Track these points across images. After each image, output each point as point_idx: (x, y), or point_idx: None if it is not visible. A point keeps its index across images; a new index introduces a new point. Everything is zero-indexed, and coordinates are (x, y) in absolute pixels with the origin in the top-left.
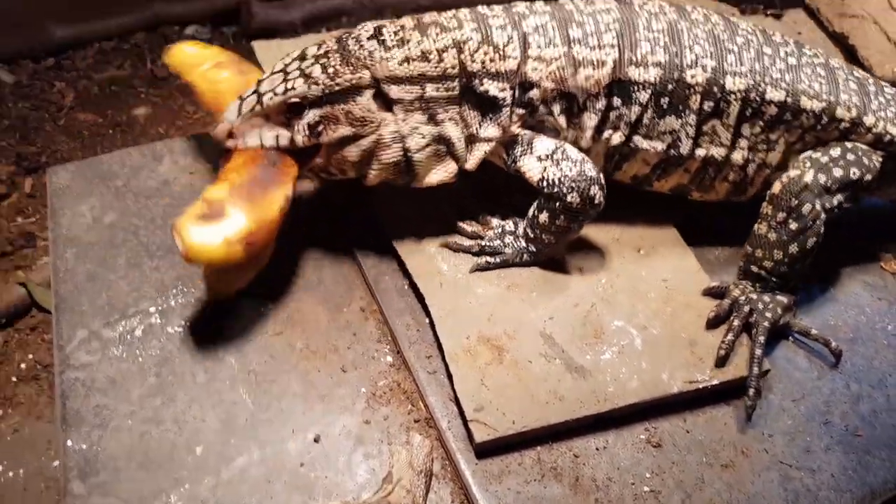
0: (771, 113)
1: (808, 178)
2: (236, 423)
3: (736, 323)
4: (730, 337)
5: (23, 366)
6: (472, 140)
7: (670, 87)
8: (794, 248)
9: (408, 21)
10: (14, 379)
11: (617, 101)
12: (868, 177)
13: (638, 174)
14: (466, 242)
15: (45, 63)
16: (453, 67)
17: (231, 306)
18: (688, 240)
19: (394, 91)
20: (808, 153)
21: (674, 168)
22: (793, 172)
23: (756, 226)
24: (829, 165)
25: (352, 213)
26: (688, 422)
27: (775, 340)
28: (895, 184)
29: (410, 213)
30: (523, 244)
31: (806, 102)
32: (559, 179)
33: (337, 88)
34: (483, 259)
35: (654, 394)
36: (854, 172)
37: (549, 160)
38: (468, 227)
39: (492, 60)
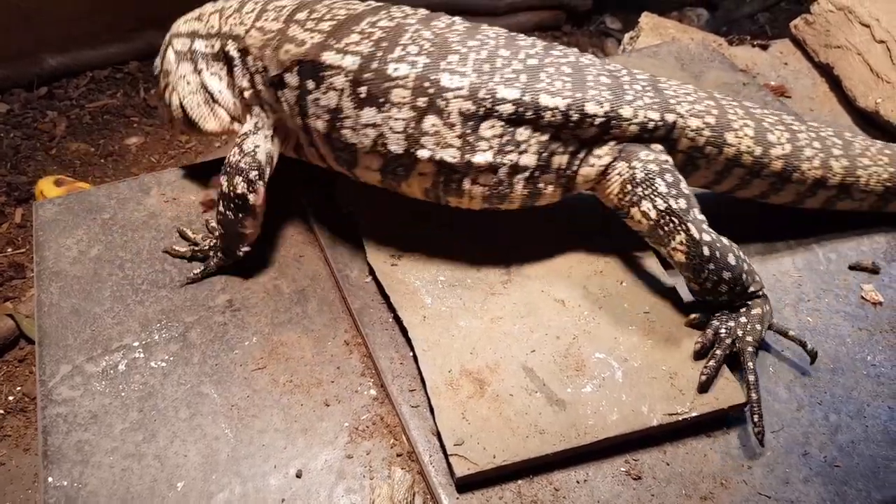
0: (507, 112)
1: (694, 233)
2: (218, 458)
3: (718, 353)
4: (711, 363)
5: (10, 398)
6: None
7: (367, 75)
8: (727, 275)
9: None
10: (1, 411)
11: (310, 84)
12: (682, 181)
13: (368, 172)
14: (182, 248)
15: (37, 92)
16: (213, 27)
17: (215, 337)
18: (670, 271)
19: (176, 44)
20: (641, 193)
21: (402, 169)
22: (645, 211)
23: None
24: (677, 207)
25: (338, 244)
26: (668, 454)
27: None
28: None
29: (395, 246)
30: (214, 243)
31: (546, 100)
32: (225, 161)
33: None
34: (193, 272)
35: (635, 426)
36: (684, 186)
37: (238, 141)
38: (190, 232)
39: (235, 24)
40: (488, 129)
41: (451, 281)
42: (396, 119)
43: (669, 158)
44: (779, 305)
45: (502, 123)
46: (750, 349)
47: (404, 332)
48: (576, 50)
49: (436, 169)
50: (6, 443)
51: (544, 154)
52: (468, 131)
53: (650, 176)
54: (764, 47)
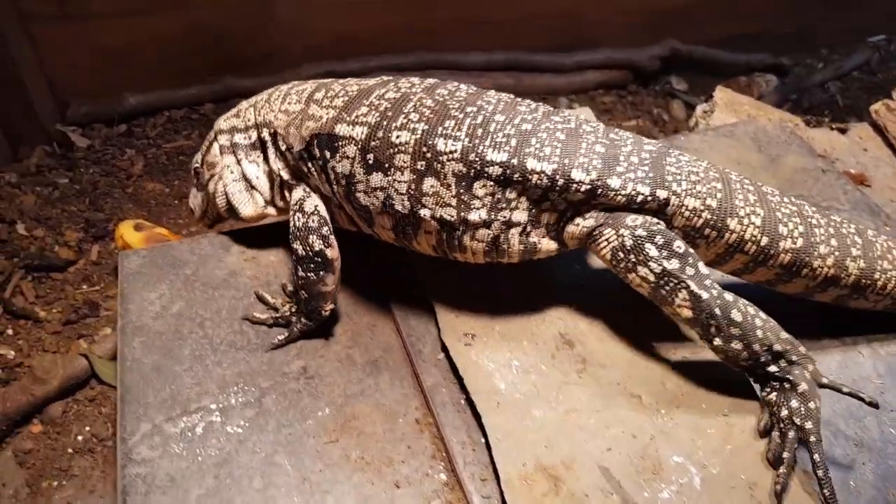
0: (496, 174)
1: (705, 295)
2: None
3: (786, 455)
4: (782, 470)
5: (79, 437)
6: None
7: (373, 143)
8: (735, 331)
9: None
10: (70, 451)
11: (328, 154)
12: (677, 241)
13: (384, 231)
14: (262, 315)
15: (117, 129)
16: (249, 120)
17: (289, 405)
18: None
19: (220, 139)
20: (634, 259)
21: (410, 228)
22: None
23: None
24: (670, 267)
25: (411, 317)
26: None
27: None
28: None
29: (468, 323)
30: (295, 308)
31: (533, 164)
32: (291, 229)
33: (204, 146)
34: (277, 338)
35: None
36: (679, 245)
37: (295, 208)
38: (269, 297)
39: (266, 113)
40: (480, 188)
41: (525, 366)
42: (400, 182)
43: (660, 221)
44: (859, 413)
45: (492, 184)
46: (813, 438)
47: (477, 416)
48: (583, 117)
49: (438, 227)
50: (73, 482)
51: (534, 211)
52: (462, 191)
53: (639, 242)
54: (843, 131)
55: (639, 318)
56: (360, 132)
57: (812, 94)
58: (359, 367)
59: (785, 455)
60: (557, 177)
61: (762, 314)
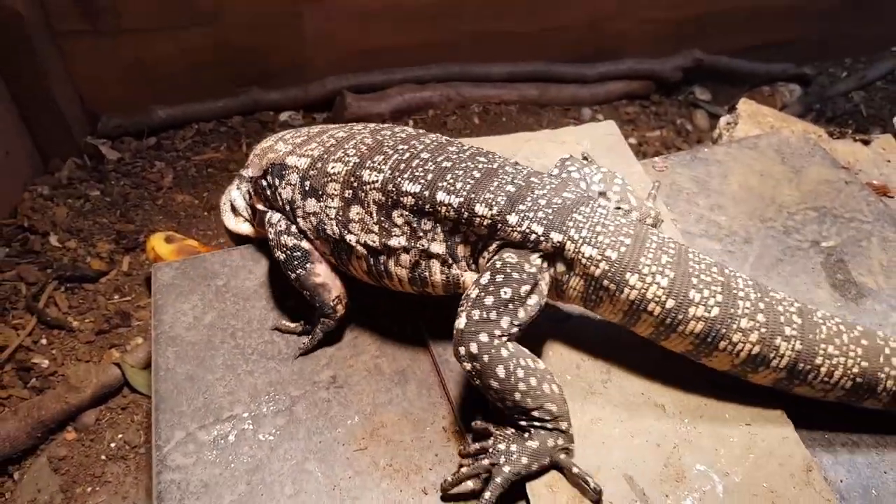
0: (409, 204)
1: (461, 323)
2: None
3: (465, 470)
4: (463, 471)
5: (112, 444)
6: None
7: (312, 172)
8: (493, 383)
9: None
10: (103, 457)
11: (276, 181)
12: (525, 287)
13: (324, 255)
14: (291, 324)
15: (147, 142)
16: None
17: (319, 414)
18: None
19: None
20: (466, 293)
21: (345, 254)
22: (456, 321)
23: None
24: (479, 297)
25: (438, 326)
26: None
27: None
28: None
29: None
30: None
31: (442, 196)
32: (270, 245)
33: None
34: (301, 343)
35: None
36: (505, 292)
37: (267, 227)
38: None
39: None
40: (398, 217)
41: None
42: (330, 208)
43: (532, 268)
44: None
45: (408, 213)
46: (499, 479)
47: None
48: (511, 160)
49: (365, 252)
50: (106, 489)
51: (449, 243)
52: (383, 219)
53: (485, 271)
54: (866, 142)
55: None
56: (303, 163)
57: (835, 104)
58: (387, 377)
59: (465, 470)
60: (463, 209)
61: (536, 381)
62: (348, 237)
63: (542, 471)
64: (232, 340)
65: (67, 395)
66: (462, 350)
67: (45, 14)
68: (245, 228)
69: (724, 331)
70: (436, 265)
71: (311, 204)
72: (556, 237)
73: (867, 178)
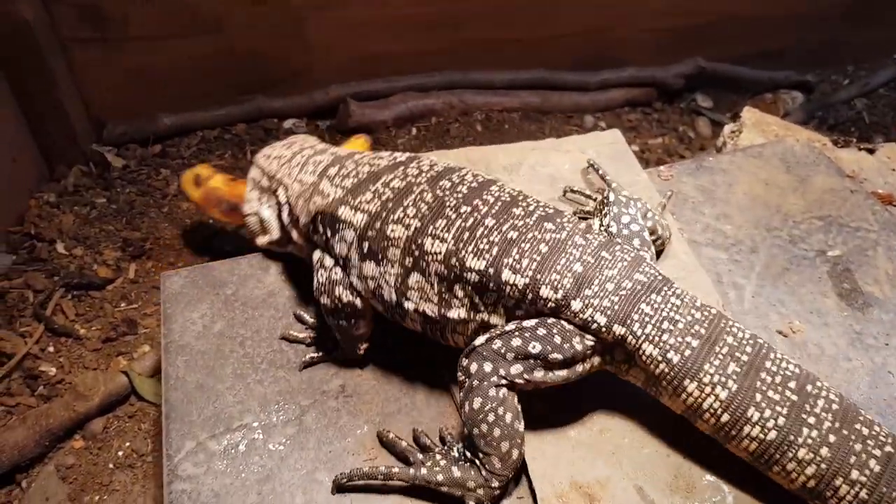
0: (473, 280)
1: (480, 341)
2: None
3: (397, 469)
4: (382, 470)
5: (120, 453)
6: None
7: (370, 233)
8: (466, 407)
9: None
10: (111, 466)
11: (328, 232)
12: (556, 356)
13: (377, 311)
14: (301, 334)
15: (152, 149)
16: (273, 170)
17: (329, 423)
18: None
19: (253, 172)
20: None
21: (398, 315)
22: (479, 336)
23: None
24: (511, 333)
25: None
26: None
27: None
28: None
29: None
30: (334, 337)
31: (508, 276)
32: (315, 285)
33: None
34: (309, 356)
35: None
36: (535, 346)
37: (317, 266)
38: (307, 316)
39: (285, 174)
40: (460, 290)
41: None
42: (390, 274)
43: (579, 346)
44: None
45: (470, 288)
46: (412, 471)
47: None
48: (577, 224)
49: (422, 319)
50: (114, 497)
51: (510, 315)
52: (444, 290)
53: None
54: (871, 151)
55: None
56: (359, 219)
57: (838, 112)
58: (395, 386)
59: (396, 469)
60: (528, 291)
61: (499, 434)
62: (406, 304)
63: (448, 496)
64: (241, 349)
65: (75, 404)
66: (465, 361)
67: (52, 21)
68: (278, 245)
69: (778, 456)
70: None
71: (370, 267)
72: (618, 330)
73: (872, 186)
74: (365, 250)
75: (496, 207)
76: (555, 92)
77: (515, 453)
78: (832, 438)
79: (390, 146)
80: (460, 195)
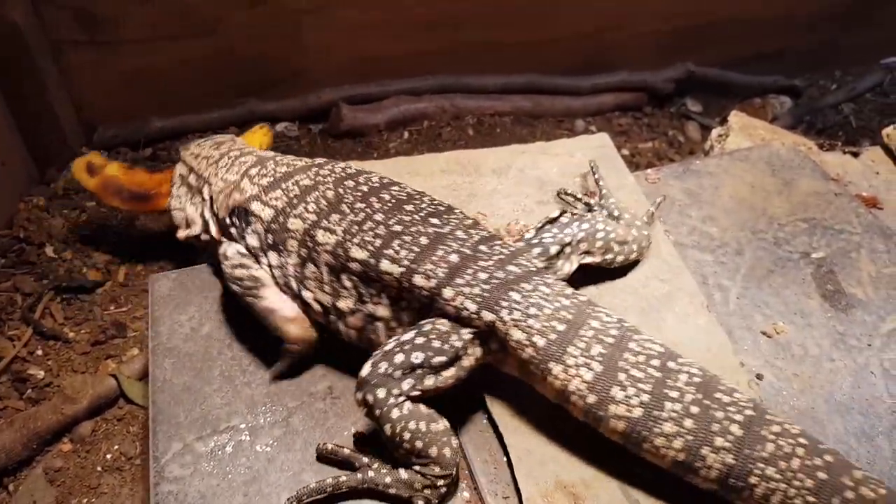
0: (357, 270)
1: (366, 370)
2: None
3: (344, 479)
4: (329, 482)
5: (108, 456)
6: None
7: (274, 226)
8: (382, 436)
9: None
10: (99, 468)
11: (242, 224)
12: (439, 359)
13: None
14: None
15: (143, 152)
16: (202, 169)
17: (316, 424)
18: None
19: (181, 168)
20: (386, 342)
21: (302, 305)
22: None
23: None
24: (392, 351)
25: None
26: None
27: None
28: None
29: None
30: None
31: (386, 265)
32: (224, 279)
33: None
34: (272, 370)
35: None
36: (417, 357)
37: (221, 259)
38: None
39: (212, 174)
40: (347, 280)
41: None
42: (289, 265)
43: (459, 342)
44: (872, 433)
45: (356, 277)
46: (359, 475)
47: (499, 435)
48: (464, 220)
49: (320, 308)
50: (102, 500)
51: (394, 308)
52: (333, 279)
53: (414, 327)
54: (855, 154)
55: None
56: (267, 214)
57: (825, 116)
58: None
59: (343, 478)
60: (403, 280)
61: (423, 445)
62: (304, 293)
63: (395, 498)
64: (229, 351)
65: (63, 407)
66: (359, 395)
67: (43, 24)
68: (200, 236)
69: (646, 433)
70: (381, 328)
71: (274, 257)
72: (487, 316)
73: (856, 189)
74: (270, 241)
75: (389, 205)
76: (546, 96)
77: (448, 451)
78: (695, 409)
79: (382, 150)
80: (359, 193)
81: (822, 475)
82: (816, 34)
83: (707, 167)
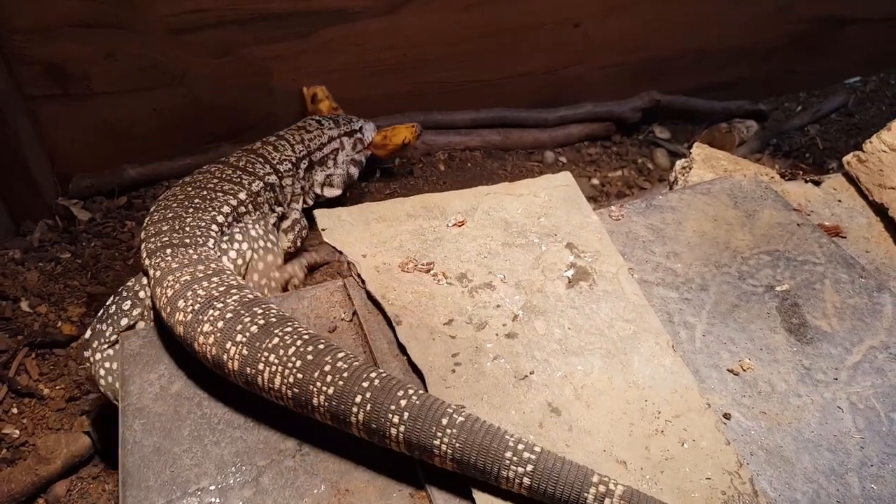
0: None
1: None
2: None
3: None
4: None
5: None
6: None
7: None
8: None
9: None
10: None
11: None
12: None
13: None
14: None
15: (117, 201)
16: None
17: (286, 484)
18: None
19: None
20: None
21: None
22: None
23: None
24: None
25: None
26: None
27: None
28: None
29: (459, 396)
30: None
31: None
32: None
33: None
34: None
35: None
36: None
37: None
38: None
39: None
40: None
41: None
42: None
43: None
44: (841, 470)
45: None
46: None
47: (468, 489)
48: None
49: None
50: None
51: None
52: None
53: None
54: (817, 183)
55: (616, 385)
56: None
57: (792, 138)
58: (353, 441)
59: None
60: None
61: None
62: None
63: None
64: (199, 410)
65: (37, 468)
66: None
67: (15, 80)
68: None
69: (192, 332)
70: None
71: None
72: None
73: (819, 218)
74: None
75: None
76: (515, 129)
77: None
78: (229, 315)
79: (355, 188)
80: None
81: (309, 357)
82: (773, 64)
83: (670, 202)
